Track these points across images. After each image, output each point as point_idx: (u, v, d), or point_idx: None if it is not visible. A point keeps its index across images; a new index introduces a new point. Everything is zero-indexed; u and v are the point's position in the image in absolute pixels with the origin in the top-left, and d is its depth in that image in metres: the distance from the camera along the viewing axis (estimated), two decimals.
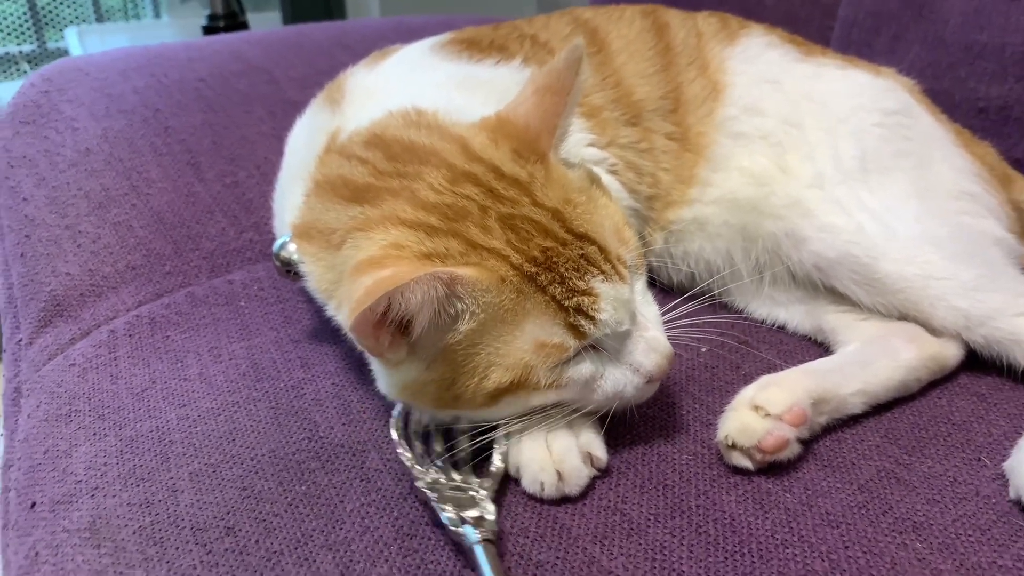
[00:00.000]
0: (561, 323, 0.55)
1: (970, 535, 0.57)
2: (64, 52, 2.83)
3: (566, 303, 0.55)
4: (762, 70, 0.85)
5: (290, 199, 0.72)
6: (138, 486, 0.63)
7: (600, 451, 0.61)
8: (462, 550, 0.55)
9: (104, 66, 1.17)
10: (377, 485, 0.61)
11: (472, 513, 0.55)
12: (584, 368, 0.58)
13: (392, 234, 0.55)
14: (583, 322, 0.56)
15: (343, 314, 0.58)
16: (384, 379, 0.61)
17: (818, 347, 0.80)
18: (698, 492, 0.60)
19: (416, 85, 0.77)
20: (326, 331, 0.80)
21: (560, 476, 0.59)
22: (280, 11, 2.52)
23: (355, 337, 0.55)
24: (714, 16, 0.91)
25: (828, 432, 0.66)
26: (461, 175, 0.58)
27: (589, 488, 0.60)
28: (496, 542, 0.54)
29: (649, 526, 0.57)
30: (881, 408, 0.69)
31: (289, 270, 0.70)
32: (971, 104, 1.08)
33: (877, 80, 0.86)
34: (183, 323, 0.83)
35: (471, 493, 0.57)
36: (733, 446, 0.61)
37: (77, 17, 3.08)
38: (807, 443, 0.64)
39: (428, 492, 0.57)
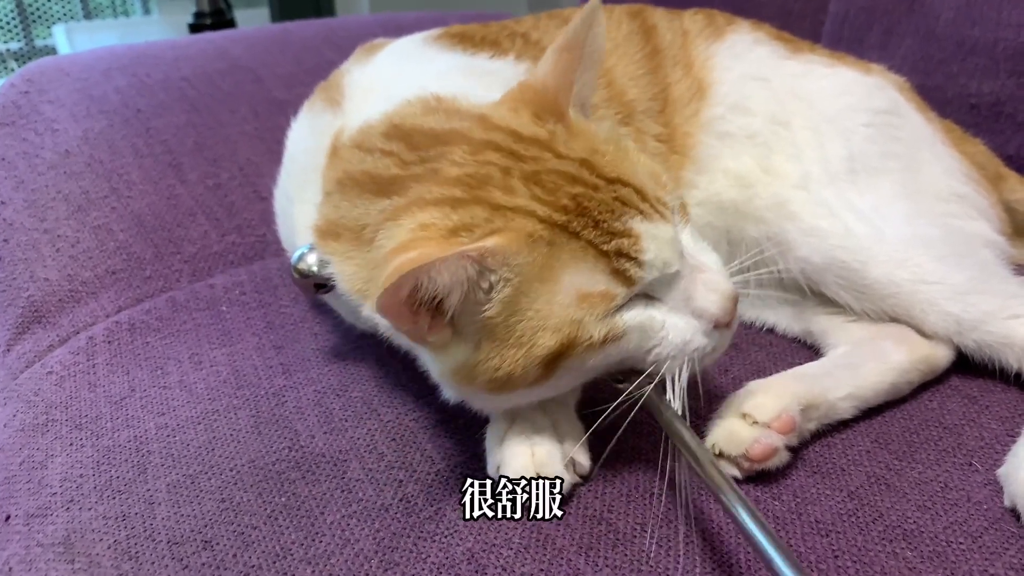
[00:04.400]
0: (604, 269, 0.52)
1: (961, 543, 0.56)
2: (52, 50, 2.82)
3: (605, 247, 0.52)
4: (749, 67, 0.84)
5: (298, 206, 0.70)
6: (114, 498, 0.61)
7: (583, 458, 0.60)
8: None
9: (86, 66, 1.16)
10: (358, 496, 0.60)
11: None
12: (639, 317, 0.54)
13: (419, 217, 0.53)
14: (628, 266, 0.52)
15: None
16: (435, 369, 0.58)
17: (808, 349, 0.79)
18: (686, 501, 0.59)
19: (419, 75, 0.75)
20: (309, 337, 0.79)
21: None
22: (268, 8, 2.51)
23: (390, 321, 0.52)
24: (700, 13, 0.90)
25: (818, 438, 0.65)
26: (481, 145, 0.56)
27: (574, 497, 0.59)
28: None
29: (636, 536, 0.56)
30: (872, 412, 0.68)
31: (313, 282, 0.67)
32: (963, 100, 1.08)
33: (866, 78, 0.85)
34: (163, 329, 0.82)
35: None
36: (721, 455, 0.60)
37: (65, 14, 3.07)
38: (796, 449, 0.63)
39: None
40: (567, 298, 0.52)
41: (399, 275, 0.47)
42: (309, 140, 0.74)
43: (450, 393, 0.60)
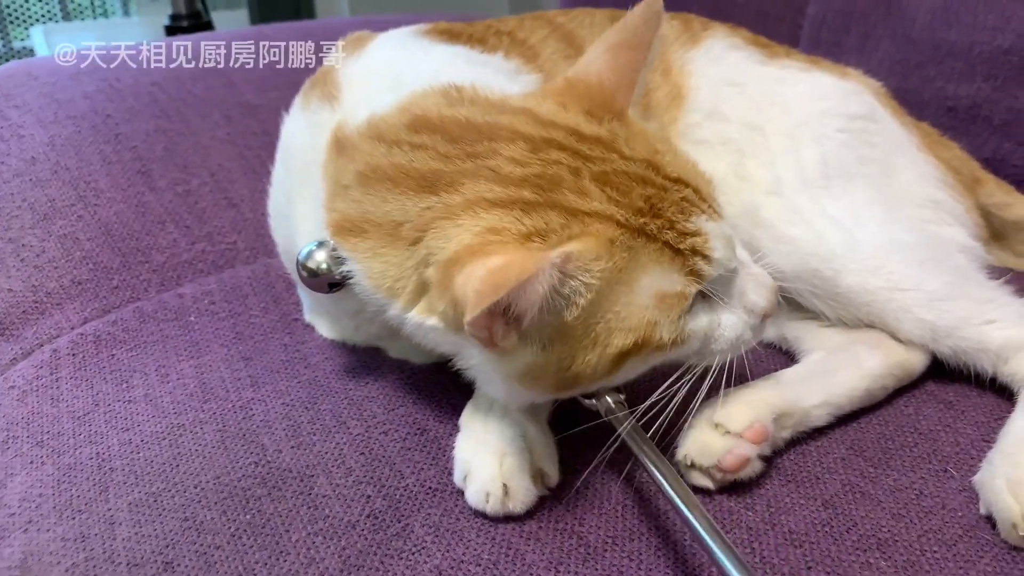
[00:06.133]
0: (679, 268, 0.53)
1: (935, 551, 0.55)
2: (30, 51, 2.78)
3: (681, 246, 0.53)
4: (725, 73, 0.83)
5: (300, 206, 0.67)
6: (74, 519, 0.60)
7: (552, 469, 0.60)
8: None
9: (54, 70, 1.14)
10: (324, 512, 0.59)
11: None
12: (702, 319, 0.56)
13: (484, 218, 0.52)
14: (701, 263, 0.54)
15: (438, 313, 0.54)
16: (496, 371, 0.56)
17: (783, 355, 0.78)
18: (658, 512, 0.59)
19: (420, 63, 0.73)
20: (279, 348, 0.78)
21: (507, 491, 0.57)
22: (248, 10, 2.48)
23: (473, 334, 0.51)
24: (677, 18, 0.89)
25: (792, 445, 0.65)
26: (542, 142, 0.55)
27: (545, 511, 0.58)
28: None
29: (607, 550, 0.55)
30: (847, 418, 0.67)
31: (322, 279, 0.63)
32: (940, 103, 1.08)
33: (842, 83, 0.84)
34: (130, 341, 0.80)
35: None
36: (692, 465, 0.60)
37: (44, 15, 3.03)
38: (770, 458, 0.62)
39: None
40: (646, 299, 0.53)
41: (501, 290, 0.46)
42: (307, 137, 0.70)
43: (502, 390, 0.58)
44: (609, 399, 0.59)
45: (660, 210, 0.53)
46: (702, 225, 0.54)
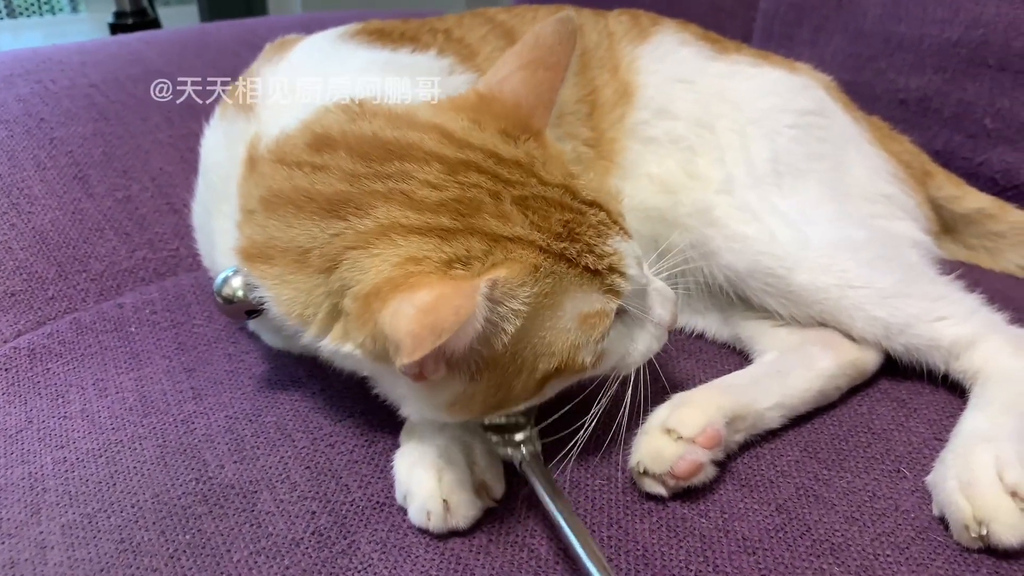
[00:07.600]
0: (599, 288, 0.54)
1: (888, 555, 0.55)
2: None
3: (599, 267, 0.54)
4: (674, 69, 0.82)
5: (217, 220, 0.65)
6: (3, 543, 0.57)
7: (496, 481, 0.58)
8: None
9: None
10: (268, 530, 0.57)
11: (519, 436, 0.59)
12: (618, 337, 0.57)
13: (402, 246, 0.50)
14: (617, 280, 0.55)
15: (357, 344, 0.51)
16: (424, 401, 0.55)
17: (738, 354, 0.78)
18: (610, 521, 0.58)
19: (337, 74, 0.71)
20: (223, 358, 0.75)
21: (448, 507, 0.55)
22: (197, 6, 2.43)
23: (402, 371, 0.49)
24: (625, 14, 0.88)
25: (745, 448, 0.64)
26: (459, 164, 0.53)
27: (495, 524, 0.57)
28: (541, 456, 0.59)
29: (558, 562, 0.54)
30: (801, 419, 0.67)
31: (243, 308, 0.62)
32: (891, 96, 1.08)
33: (792, 78, 0.84)
34: (66, 354, 0.77)
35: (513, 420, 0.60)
36: (645, 473, 0.59)
37: None
38: (724, 462, 0.62)
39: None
40: (570, 323, 0.53)
41: (443, 334, 0.44)
42: (223, 150, 0.68)
43: (426, 414, 0.57)
44: (524, 450, 0.59)
45: (578, 234, 0.54)
46: (616, 245, 0.56)
